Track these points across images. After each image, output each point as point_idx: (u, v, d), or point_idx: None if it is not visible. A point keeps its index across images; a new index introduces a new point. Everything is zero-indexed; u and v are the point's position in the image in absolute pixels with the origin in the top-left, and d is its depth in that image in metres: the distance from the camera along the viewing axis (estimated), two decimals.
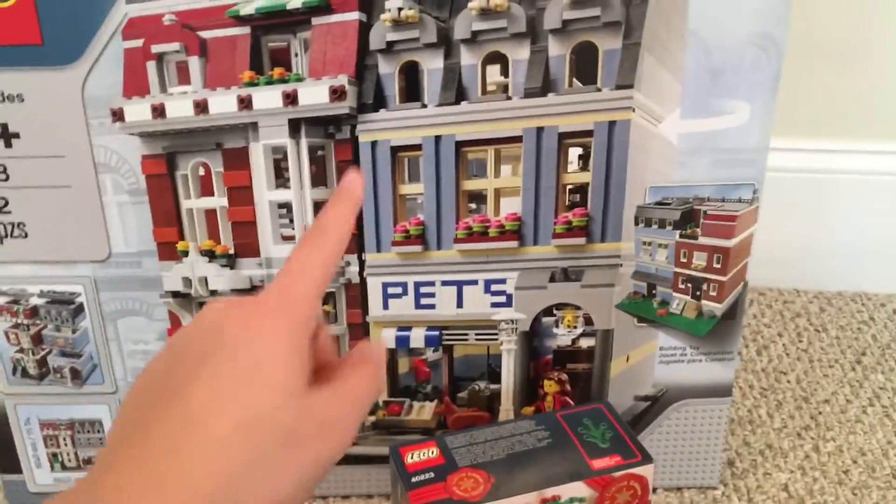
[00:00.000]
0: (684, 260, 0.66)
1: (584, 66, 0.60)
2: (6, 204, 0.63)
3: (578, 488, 0.57)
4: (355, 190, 0.42)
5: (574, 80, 0.61)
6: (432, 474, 0.58)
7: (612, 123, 0.62)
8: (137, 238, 0.64)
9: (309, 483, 0.37)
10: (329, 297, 0.67)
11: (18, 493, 0.73)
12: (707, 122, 0.61)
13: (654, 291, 0.67)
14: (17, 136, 0.60)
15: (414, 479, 0.57)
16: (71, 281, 0.65)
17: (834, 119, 0.97)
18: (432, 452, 0.59)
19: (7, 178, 0.62)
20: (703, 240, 0.65)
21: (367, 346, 0.42)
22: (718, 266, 0.66)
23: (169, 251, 0.65)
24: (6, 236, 0.63)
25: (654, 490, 0.74)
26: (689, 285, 0.67)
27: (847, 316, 0.99)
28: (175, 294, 0.66)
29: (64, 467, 0.72)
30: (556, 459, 0.59)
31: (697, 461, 0.74)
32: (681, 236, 0.65)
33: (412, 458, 0.59)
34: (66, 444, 0.71)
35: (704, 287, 0.67)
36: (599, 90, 0.61)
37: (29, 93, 0.59)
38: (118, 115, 0.61)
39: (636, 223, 0.65)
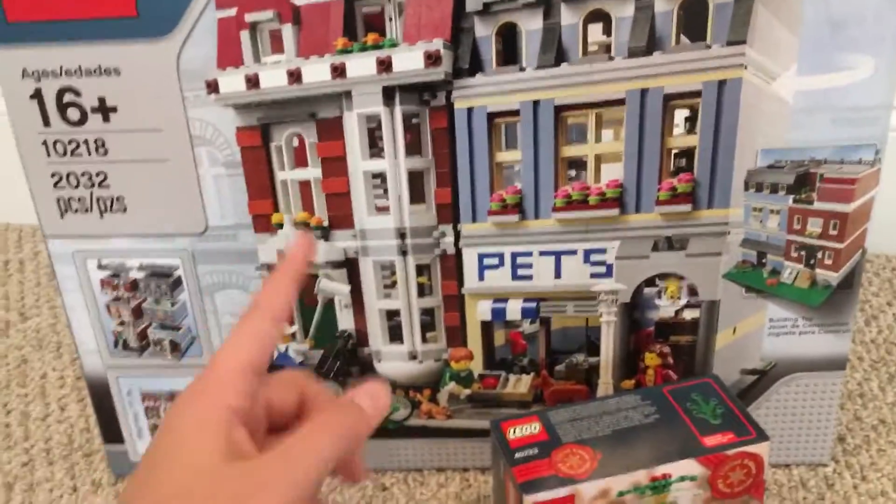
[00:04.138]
0: (798, 226, 0.62)
1: (693, 22, 0.57)
2: (105, 178, 0.63)
3: (690, 466, 0.55)
4: (298, 261, 0.42)
5: (682, 37, 0.58)
6: (536, 450, 0.56)
7: (721, 83, 0.58)
8: (233, 211, 0.64)
9: None
10: (424, 269, 0.66)
11: (121, 462, 0.75)
12: (826, 78, 0.57)
13: (764, 260, 0.64)
14: (114, 109, 0.60)
15: (517, 455, 0.56)
16: (169, 254, 0.66)
17: None
18: (535, 428, 0.58)
19: (106, 153, 0.62)
20: (818, 205, 0.61)
21: (370, 387, 0.42)
22: (835, 232, 0.62)
23: (264, 223, 0.64)
24: (106, 211, 0.64)
25: None
26: (803, 253, 0.63)
27: None
28: (270, 267, 0.66)
29: None
30: (665, 436, 0.57)
31: (808, 437, 0.70)
32: (794, 201, 0.61)
33: (514, 433, 0.58)
34: None
35: (819, 255, 0.63)
36: (709, 47, 0.57)
37: (125, 66, 0.59)
38: (213, 87, 0.60)
39: (746, 188, 0.61)
